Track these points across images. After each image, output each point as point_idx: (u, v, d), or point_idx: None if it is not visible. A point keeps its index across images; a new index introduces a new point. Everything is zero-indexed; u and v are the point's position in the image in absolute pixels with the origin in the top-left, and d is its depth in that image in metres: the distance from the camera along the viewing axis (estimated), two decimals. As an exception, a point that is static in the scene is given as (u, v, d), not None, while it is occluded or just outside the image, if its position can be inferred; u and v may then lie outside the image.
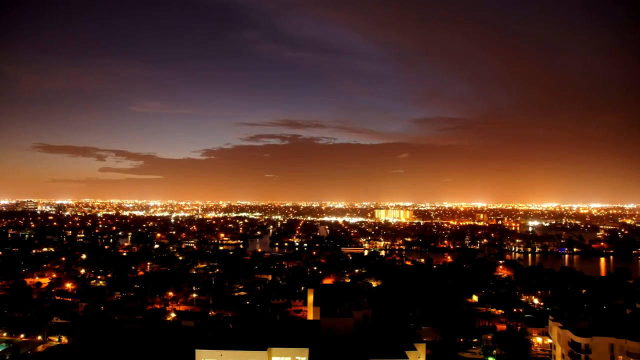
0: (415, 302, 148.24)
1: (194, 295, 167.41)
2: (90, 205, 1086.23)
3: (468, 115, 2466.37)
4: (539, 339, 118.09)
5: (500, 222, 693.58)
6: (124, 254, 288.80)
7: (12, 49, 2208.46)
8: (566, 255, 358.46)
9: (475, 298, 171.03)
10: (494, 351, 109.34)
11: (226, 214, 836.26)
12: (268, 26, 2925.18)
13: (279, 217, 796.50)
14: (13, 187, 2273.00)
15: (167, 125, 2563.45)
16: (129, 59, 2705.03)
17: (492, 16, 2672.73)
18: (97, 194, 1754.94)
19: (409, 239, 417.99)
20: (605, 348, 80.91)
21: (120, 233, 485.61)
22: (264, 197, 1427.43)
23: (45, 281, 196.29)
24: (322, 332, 76.71)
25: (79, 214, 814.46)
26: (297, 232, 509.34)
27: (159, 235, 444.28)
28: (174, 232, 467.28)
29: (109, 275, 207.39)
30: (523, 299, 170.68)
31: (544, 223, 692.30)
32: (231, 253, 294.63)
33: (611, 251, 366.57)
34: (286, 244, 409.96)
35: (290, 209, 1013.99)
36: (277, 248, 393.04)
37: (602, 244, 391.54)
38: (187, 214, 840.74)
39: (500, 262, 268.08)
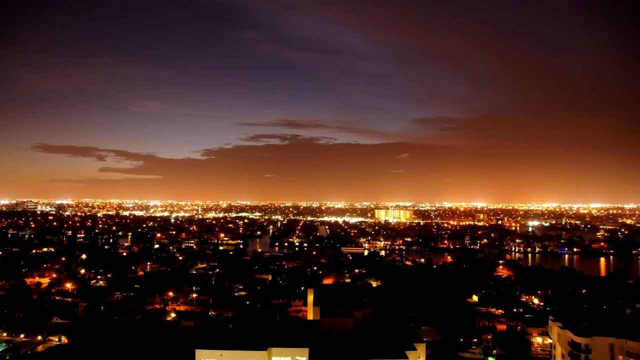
0: (415, 302, 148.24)
1: (194, 295, 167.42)
2: (90, 205, 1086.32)
3: (468, 115, 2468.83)
4: (539, 339, 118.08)
5: (500, 222, 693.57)
6: (124, 254, 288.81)
7: (12, 49, 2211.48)
8: (566, 255, 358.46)
9: (475, 298, 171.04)
10: (494, 351, 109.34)
11: (226, 214, 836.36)
12: (268, 26, 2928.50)
13: (279, 217, 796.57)
14: (13, 187, 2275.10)
15: (167, 125, 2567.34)
16: (129, 59, 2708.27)
17: (492, 16, 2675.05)
18: (97, 194, 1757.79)
19: (409, 239, 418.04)
20: (605, 348, 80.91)
21: (120, 233, 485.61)
22: (264, 197, 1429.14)
23: (45, 281, 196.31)
24: (322, 332, 76.71)
25: (79, 214, 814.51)
26: (297, 232, 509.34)
27: (159, 235, 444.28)
28: (174, 232, 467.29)
29: (109, 275, 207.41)
30: (523, 299, 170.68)
31: (544, 223, 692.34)
32: (231, 253, 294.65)
33: (611, 251, 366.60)
34: (286, 244, 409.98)
35: (290, 209, 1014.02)
36: (277, 248, 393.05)
37: (602, 244, 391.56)
38: (187, 214, 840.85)
39: (500, 262, 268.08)
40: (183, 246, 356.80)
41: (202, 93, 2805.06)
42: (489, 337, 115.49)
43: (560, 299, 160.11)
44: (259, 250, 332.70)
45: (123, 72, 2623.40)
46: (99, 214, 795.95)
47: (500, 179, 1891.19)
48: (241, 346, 66.60)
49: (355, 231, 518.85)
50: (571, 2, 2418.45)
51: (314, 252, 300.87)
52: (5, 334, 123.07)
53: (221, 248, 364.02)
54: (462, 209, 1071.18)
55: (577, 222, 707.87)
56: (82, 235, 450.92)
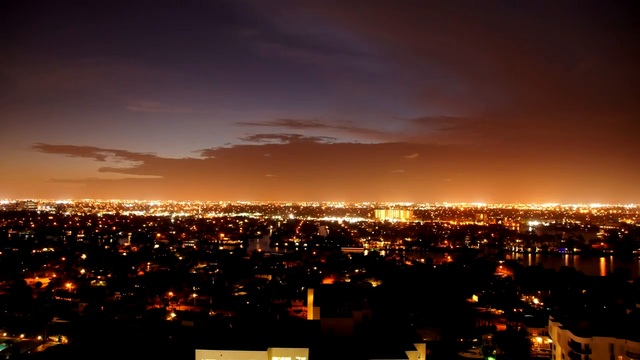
0: (415, 302, 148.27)
1: (194, 295, 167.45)
2: (90, 205, 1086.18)
3: (468, 115, 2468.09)
4: (539, 339, 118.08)
5: (500, 222, 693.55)
6: (124, 254, 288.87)
7: (11, 49, 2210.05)
8: (566, 255, 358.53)
9: (475, 298, 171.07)
10: (494, 351, 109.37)
11: (226, 214, 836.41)
12: (266, 25, 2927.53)
13: (279, 217, 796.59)
14: (13, 187, 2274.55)
15: (167, 125, 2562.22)
16: (129, 58, 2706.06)
17: (491, 16, 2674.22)
18: (97, 194, 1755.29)
19: (409, 239, 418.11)
20: (605, 348, 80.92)
21: (120, 233, 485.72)
22: (264, 197, 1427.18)
23: (45, 281, 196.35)
24: (322, 332, 76.70)
25: (79, 214, 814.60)
26: (297, 232, 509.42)
27: (159, 235, 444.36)
28: (174, 232, 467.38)
29: (109, 275, 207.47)
30: (523, 299, 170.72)
31: (544, 223, 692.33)
32: (231, 253, 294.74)
33: (611, 251, 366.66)
34: (286, 244, 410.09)
35: (290, 209, 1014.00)
36: (277, 248, 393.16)
37: (602, 244, 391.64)
38: (187, 214, 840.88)
39: (500, 262, 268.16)
40: (183, 246, 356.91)
41: (202, 93, 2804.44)
42: (489, 337, 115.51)
43: (560, 299, 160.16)
44: (259, 250, 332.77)
45: (123, 72, 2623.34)
46: (99, 214, 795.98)
47: (500, 179, 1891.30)
48: (241, 346, 66.58)
49: (355, 231, 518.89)
50: (571, 2, 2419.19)
51: (314, 252, 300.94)
52: (5, 334, 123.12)
53: (221, 248, 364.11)
54: (462, 209, 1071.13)
55: (577, 222, 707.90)
56: (82, 235, 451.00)
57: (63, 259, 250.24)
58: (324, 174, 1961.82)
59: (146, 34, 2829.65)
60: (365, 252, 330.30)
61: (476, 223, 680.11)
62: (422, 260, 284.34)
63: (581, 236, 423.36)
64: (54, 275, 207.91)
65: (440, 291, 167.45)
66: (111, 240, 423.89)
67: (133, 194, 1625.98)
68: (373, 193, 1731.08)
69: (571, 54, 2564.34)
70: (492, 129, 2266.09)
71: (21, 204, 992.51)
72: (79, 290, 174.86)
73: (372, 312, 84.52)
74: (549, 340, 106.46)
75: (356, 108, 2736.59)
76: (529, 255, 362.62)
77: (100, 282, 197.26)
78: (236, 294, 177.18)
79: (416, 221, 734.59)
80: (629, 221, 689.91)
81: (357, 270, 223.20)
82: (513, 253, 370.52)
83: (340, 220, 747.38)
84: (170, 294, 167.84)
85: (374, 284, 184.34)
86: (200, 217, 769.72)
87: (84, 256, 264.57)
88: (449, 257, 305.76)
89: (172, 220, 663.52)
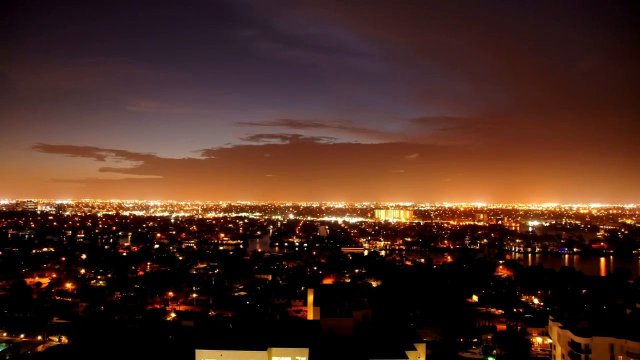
0: (415, 302, 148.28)
1: (194, 295, 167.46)
2: (90, 205, 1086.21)
3: (468, 114, 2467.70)
4: (539, 339, 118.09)
5: (500, 222, 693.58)
6: (124, 254, 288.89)
7: (11, 49, 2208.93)
8: (566, 255, 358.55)
9: (475, 298, 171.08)
10: (494, 351, 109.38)
11: (226, 214, 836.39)
12: (268, 26, 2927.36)
13: (279, 217, 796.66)
14: (13, 187, 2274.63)
15: (167, 125, 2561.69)
16: (128, 58, 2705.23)
17: (491, 15, 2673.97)
18: (97, 194, 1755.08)
19: (409, 239, 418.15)
20: (605, 348, 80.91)
21: (120, 233, 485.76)
22: (264, 197, 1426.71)
23: (45, 281, 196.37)
24: (322, 332, 76.70)
25: (79, 214, 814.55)
26: (297, 232, 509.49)
27: (159, 235, 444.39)
28: (174, 232, 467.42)
29: (109, 275, 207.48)
30: (523, 299, 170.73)
31: (544, 223, 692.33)
32: (231, 253, 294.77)
33: (611, 251, 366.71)
34: (286, 244, 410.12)
35: (290, 209, 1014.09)
36: (277, 248, 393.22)
37: (602, 244, 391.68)
38: (187, 214, 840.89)
39: (500, 262, 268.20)
40: (183, 246, 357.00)
41: (202, 93, 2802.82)
42: (489, 337, 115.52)
43: (560, 299, 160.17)
44: (259, 250, 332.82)
45: (122, 72, 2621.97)
46: (99, 214, 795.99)
47: (500, 179, 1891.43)
48: (241, 346, 66.56)
49: (355, 231, 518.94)
50: (571, 2, 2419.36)
51: (314, 252, 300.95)
52: (5, 334, 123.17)
53: (221, 248, 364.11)
54: (462, 209, 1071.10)
55: (577, 222, 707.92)
56: (82, 235, 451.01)
57: (63, 259, 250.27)
58: (324, 174, 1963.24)
59: (146, 34, 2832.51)
60: (365, 252, 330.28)
61: (476, 223, 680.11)
62: (422, 260, 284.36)
63: (581, 236, 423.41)
64: (54, 275, 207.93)
65: (440, 291, 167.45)
66: (111, 240, 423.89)
67: (133, 194, 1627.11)
68: (373, 193, 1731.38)
69: (571, 54, 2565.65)
70: (492, 129, 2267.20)
71: (21, 204, 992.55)
72: (79, 290, 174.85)
73: (372, 312, 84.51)
74: (549, 340, 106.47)
75: (356, 108, 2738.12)
76: (529, 255, 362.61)
77: (100, 282, 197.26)
78: (236, 294, 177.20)
79: (416, 221, 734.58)
80: (629, 221, 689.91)
81: (357, 270, 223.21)
82: (513, 253, 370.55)
83: (340, 220, 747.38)
84: (170, 294, 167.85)
85: (374, 284, 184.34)
86: (200, 217, 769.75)
87: (84, 256, 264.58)
88: (449, 257, 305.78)
89: (172, 220, 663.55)
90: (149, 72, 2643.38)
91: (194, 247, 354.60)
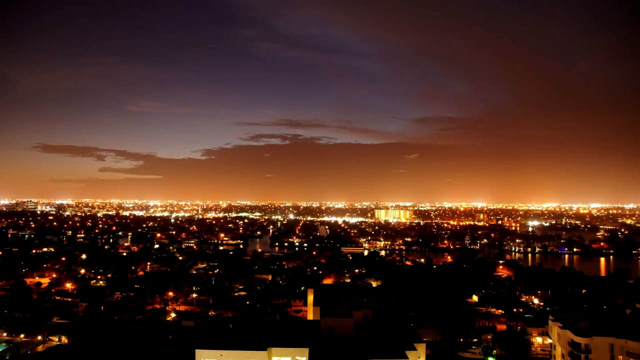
0: (415, 302, 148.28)
1: (194, 295, 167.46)
2: (90, 205, 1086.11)
3: (468, 115, 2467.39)
4: (539, 339, 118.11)
5: (500, 222, 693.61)
6: (124, 254, 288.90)
7: (11, 49, 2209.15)
8: (566, 255, 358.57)
9: (475, 298, 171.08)
10: (494, 351, 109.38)
11: (226, 214, 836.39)
12: (268, 26, 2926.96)
13: (279, 217, 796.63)
14: (13, 187, 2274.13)
15: (167, 125, 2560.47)
16: (128, 58, 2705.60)
17: (491, 15, 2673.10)
18: (97, 194, 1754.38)
19: (409, 239, 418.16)
20: (605, 348, 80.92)
21: (120, 233, 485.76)
22: (264, 197, 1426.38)
23: (45, 281, 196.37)
24: (322, 332, 76.70)
25: (79, 214, 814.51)
26: (297, 232, 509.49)
27: (159, 235, 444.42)
28: (174, 232, 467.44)
29: (109, 275, 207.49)
30: (523, 299, 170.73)
31: (544, 223, 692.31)
32: (231, 253, 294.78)
33: (611, 251, 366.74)
34: (286, 244, 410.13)
35: (290, 209, 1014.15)
36: (277, 248, 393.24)
37: (602, 244, 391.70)
38: (187, 214, 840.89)
39: (500, 262, 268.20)
40: (183, 246, 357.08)
41: (202, 93, 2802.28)
42: (489, 337, 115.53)
43: (560, 299, 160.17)
44: (259, 250, 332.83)
45: (122, 72, 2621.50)
46: (99, 214, 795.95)
47: (500, 179, 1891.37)
48: (241, 346, 66.56)
49: (355, 231, 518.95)
50: (571, 2, 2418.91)
51: (314, 252, 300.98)
52: (5, 334, 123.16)
53: (221, 248, 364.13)
54: (462, 209, 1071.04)
55: (577, 222, 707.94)
56: (82, 235, 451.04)
57: (63, 259, 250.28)
58: (324, 174, 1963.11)
59: (146, 34, 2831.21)
60: (365, 252, 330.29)
61: (476, 223, 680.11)
62: (422, 260, 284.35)
63: (581, 236, 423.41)
64: (54, 275, 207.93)
65: (440, 291, 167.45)
66: (111, 240, 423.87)
67: (133, 194, 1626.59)
68: (373, 193, 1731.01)
69: (571, 54, 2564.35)
70: (492, 129, 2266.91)
71: (21, 204, 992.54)
72: (79, 290, 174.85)
73: (372, 312, 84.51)
74: (549, 340, 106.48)
75: (356, 108, 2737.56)
76: (529, 255, 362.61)
77: (100, 282, 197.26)
78: (236, 294, 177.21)
79: (416, 221, 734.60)
80: (629, 221, 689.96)
81: (357, 270, 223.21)
82: (513, 253, 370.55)
83: (340, 220, 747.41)
84: (170, 294, 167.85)
85: (374, 284, 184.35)
86: (200, 217, 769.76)
87: (84, 256, 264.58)
88: (449, 257, 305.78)
89: (172, 220, 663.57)
90: (149, 72, 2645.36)
91: (194, 247, 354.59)
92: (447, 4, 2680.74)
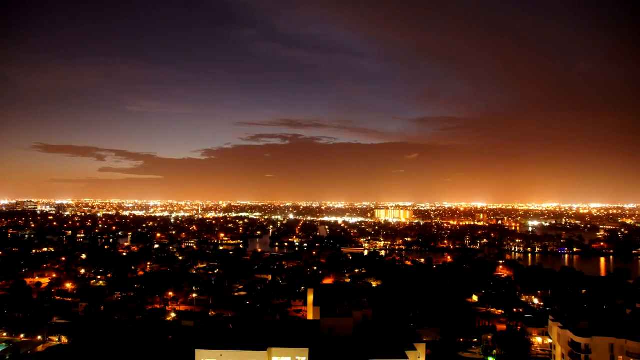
0: (415, 302, 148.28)
1: (194, 295, 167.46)
2: (90, 205, 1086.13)
3: (468, 114, 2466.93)
4: (539, 339, 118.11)
5: (500, 222, 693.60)
6: (124, 254, 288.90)
7: (11, 49, 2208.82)
8: (566, 255, 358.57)
9: (475, 298, 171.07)
10: (494, 351, 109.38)
11: (226, 214, 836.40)
12: (268, 26, 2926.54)
13: (279, 217, 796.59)
14: (13, 187, 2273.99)
15: (167, 125, 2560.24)
16: (128, 58, 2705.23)
17: (491, 15, 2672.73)
18: (97, 194, 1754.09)
19: (409, 239, 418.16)
20: (605, 348, 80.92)
21: (120, 233, 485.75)
22: (264, 197, 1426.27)
23: (45, 281, 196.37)
24: (322, 332, 76.70)
25: (79, 214, 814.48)
26: (297, 232, 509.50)
27: (159, 235, 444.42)
28: (174, 232, 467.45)
29: (109, 275, 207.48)
30: (523, 299, 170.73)
31: (544, 223, 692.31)
32: (231, 253, 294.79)
33: (611, 251, 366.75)
34: (286, 244, 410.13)
35: (290, 209, 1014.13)
36: (277, 248, 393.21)
37: (602, 244, 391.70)
38: (187, 214, 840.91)
39: (500, 262, 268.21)
40: (183, 246, 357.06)
41: (202, 93, 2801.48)
42: (489, 337, 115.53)
43: (560, 299, 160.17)
44: (259, 250, 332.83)
45: (122, 72, 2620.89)
46: (99, 214, 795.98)
47: (500, 179, 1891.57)
48: (241, 346, 66.56)
49: (355, 231, 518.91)
50: (571, 2, 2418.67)
51: (314, 252, 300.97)
52: (5, 334, 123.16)
53: (221, 248, 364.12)
54: (462, 209, 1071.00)
55: (577, 222, 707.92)
56: (82, 235, 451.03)
57: (63, 259, 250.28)
58: (324, 174, 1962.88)
59: (146, 34, 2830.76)
60: (365, 252, 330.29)
61: (476, 223, 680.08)
62: (422, 260, 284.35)
63: (581, 236, 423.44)
64: (54, 275, 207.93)
65: (440, 291, 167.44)
66: (111, 240, 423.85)
67: (133, 194, 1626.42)
68: (373, 193, 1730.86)
69: (571, 54, 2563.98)
70: (492, 129, 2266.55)
71: (21, 204, 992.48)
72: (79, 290, 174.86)
73: (372, 312, 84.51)
74: (549, 340, 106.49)
75: (356, 108, 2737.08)
76: (529, 255, 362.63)
77: (100, 282, 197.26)
78: (236, 294, 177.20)
79: (416, 221, 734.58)
80: (629, 221, 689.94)
81: (357, 270, 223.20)
82: (513, 253, 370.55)
83: (340, 220, 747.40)
84: (170, 294, 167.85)
85: (374, 284, 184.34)
86: (200, 217, 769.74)
87: (84, 256, 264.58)
88: (449, 257, 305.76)
89: (172, 220, 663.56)
90: (149, 72, 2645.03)
91: (194, 247, 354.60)
92: (447, 4, 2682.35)
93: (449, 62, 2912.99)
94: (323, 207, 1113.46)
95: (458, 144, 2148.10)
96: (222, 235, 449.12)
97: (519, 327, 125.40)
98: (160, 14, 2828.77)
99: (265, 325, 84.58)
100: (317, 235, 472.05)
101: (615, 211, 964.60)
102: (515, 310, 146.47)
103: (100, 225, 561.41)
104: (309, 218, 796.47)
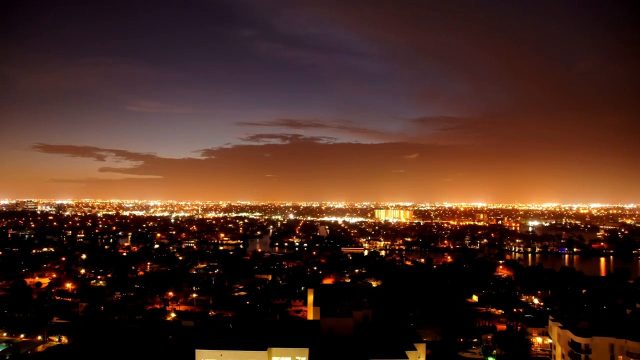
0: (415, 302, 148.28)
1: (194, 295, 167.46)
2: (90, 205, 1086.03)
3: (468, 114, 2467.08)
4: (539, 339, 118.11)
5: (500, 222, 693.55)
6: (124, 254, 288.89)
7: (11, 49, 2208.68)
8: (566, 255, 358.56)
9: (475, 298, 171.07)
10: (494, 351, 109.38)
11: (226, 214, 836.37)
12: (268, 26, 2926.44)
13: (279, 217, 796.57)
14: (13, 187, 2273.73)
15: (167, 125, 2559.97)
16: (128, 58, 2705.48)
17: (491, 15, 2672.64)
18: (97, 194, 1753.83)
19: (409, 239, 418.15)
20: (605, 348, 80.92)
21: (120, 233, 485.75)
22: (264, 197, 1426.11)
23: (45, 281, 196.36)
24: (322, 332, 76.71)
25: (79, 214, 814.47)
26: (297, 232, 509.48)
27: (159, 235, 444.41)
28: (174, 232, 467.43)
29: (109, 275, 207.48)
30: (523, 299, 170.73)
31: (544, 223, 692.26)
32: (231, 253, 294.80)
33: (611, 251, 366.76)
34: (286, 244, 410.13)
35: (290, 209, 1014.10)
36: (277, 248, 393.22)
37: (602, 244, 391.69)
38: (187, 214, 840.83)
39: (500, 262, 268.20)
40: (183, 246, 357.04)
41: (202, 93, 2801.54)
42: (489, 337, 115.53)
43: (560, 299, 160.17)
44: (259, 250, 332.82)
45: (122, 72, 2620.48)
46: (99, 214, 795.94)
47: (500, 179, 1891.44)
48: (241, 346, 66.57)
49: (355, 231, 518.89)
50: (571, 2, 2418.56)
51: (314, 252, 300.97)
52: (5, 334, 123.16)
53: (221, 248, 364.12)
54: (462, 209, 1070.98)
55: (577, 222, 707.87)
56: (82, 235, 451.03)
57: (63, 259, 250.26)
58: (324, 174, 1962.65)
59: (146, 34, 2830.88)
60: (365, 252, 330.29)
61: (476, 223, 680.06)
62: (422, 260, 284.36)
63: (581, 236, 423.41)
64: (54, 275, 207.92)
65: (440, 291, 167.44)
66: (111, 240, 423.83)
67: (133, 194, 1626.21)
68: (373, 193, 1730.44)
69: (571, 54, 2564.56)
70: (492, 129, 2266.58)
71: (21, 204, 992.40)
72: (79, 290, 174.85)
73: (372, 312, 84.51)
74: (549, 340, 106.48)
75: (356, 108, 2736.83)
76: (529, 255, 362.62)
77: (100, 282, 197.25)
78: (236, 294, 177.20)
79: (416, 221, 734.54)
80: (629, 221, 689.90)
81: (357, 270, 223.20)
82: (513, 253, 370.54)
83: (340, 220, 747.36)
84: (170, 294, 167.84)
85: (374, 284, 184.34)
86: (200, 217, 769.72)
87: (84, 256, 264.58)
88: (449, 257, 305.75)
89: (172, 220, 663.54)
90: (149, 72, 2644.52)
91: (194, 247, 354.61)
92: (447, 4, 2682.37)
93: (449, 62, 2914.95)
94: (323, 207, 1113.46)
95: (458, 144, 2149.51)
96: (222, 235, 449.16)
97: (519, 327, 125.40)
98: (160, 14, 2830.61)
99: (265, 325, 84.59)
100: (317, 235, 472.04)
101: (615, 211, 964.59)
102: (515, 310, 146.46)
103: (100, 225, 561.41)
104: (309, 218, 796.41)
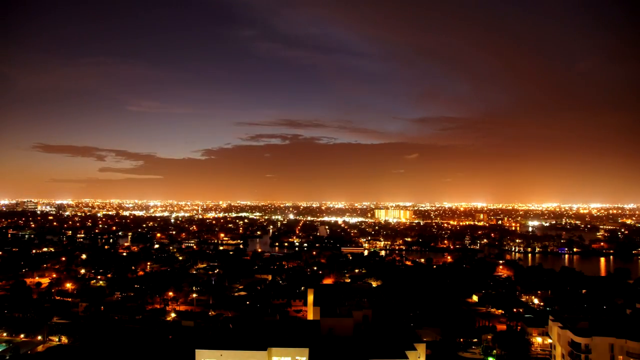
0: (415, 302, 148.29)
1: (194, 295, 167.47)
2: (90, 205, 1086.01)
3: (468, 114, 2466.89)
4: (539, 339, 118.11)
5: (500, 222, 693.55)
6: (124, 254, 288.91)
7: (11, 49, 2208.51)
8: (566, 255, 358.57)
9: (475, 298, 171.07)
10: (494, 351, 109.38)
11: (226, 214, 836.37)
12: (268, 26, 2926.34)
13: (279, 217, 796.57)
14: (13, 187, 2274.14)
15: (167, 125, 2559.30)
16: (129, 58, 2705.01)
17: (491, 15, 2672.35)
18: (97, 194, 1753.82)
19: (409, 239, 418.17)
20: (605, 348, 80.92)
21: (120, 233, 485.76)
22: (264, 197, 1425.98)
23: (45, 281, 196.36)
24: (322, 332, 76.71)
25: (79, 214, 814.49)
26: (297, 232, 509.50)
27: (159, 235, 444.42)
28: (174, 232, 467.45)
29: (109, 275, 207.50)
30: (523, 299, 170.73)
31: (544, 223, 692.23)
32: (231, 253, 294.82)
33: (611, 251, 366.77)
34: (286, 244, 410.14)
35: (290, 209, 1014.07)
36: (277, 248, 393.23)
37: (602, 244, 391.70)
38: (187, 214, 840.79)
39: (500, 262, 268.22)
40: (183, 246, 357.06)
41: (202, 93, 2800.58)
42: (489, 337, 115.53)
43: (560, 299, 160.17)
44: (259, 250, 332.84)
45: (122, 72, 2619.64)
46: (99, 214, 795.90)
47: (500, 179, 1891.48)
48: (241, 346, 66.57)
49: (355, 231, 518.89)
50: (571, 2, 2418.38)
51: (314, 252, 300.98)
52: (5, 334, 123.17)
53: (221, 248, 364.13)
54: (462, 209, 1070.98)
55: (577, 222, 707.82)
56: (82, 235, 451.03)
57: (63, 259, 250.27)
58: (324, 174, 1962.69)
59: (146, 34, 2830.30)
60: (365, 252, 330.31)
61: (476, 223, 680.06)
62: (422, 260, 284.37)
63: (581, 236, 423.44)
64: (54, 275, 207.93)
65: (440, 291, 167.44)
66: (111, 240, 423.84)
67: (133, 194, 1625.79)
68: (373, 193, 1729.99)
69: (571, 54, 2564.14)
70: (492, 129, 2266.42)
71: (21, 204, 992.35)
72: (79, 290, 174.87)
73: (372, 312, 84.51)
74: (549, 340, 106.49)
75: (356, 108, 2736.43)
76: (529, 255, 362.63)
77: (100, 282, 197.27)
78: (236, 294, 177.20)
79: (416, 221, 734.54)
80: (629, 221, 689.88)
81: (357, 270, 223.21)
82: (513, 253, 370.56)
83: (340, 220, 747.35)
84: (170, 294, 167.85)
85: (374, 284, 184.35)
86: (200, 217, 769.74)
87: (84, 256, 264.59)
88: (449, 257, 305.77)
89: (172, 220, 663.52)
90: (149, 72, 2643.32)
91: (194, 247, 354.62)
92: (447, 4, 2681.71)
93: (449, 62, 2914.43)
94: (323, 207, 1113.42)
95: (458, 144, 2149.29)
96: (222, 235, 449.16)
97: (519, 327, 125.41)
98: (160, 14, 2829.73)
99: (265, 325, 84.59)
100: (317, 235, 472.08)
101: (615, 211, 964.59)
102: (515, 310, 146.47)
103: (100, 225, 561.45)
104: (309, 218, 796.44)
